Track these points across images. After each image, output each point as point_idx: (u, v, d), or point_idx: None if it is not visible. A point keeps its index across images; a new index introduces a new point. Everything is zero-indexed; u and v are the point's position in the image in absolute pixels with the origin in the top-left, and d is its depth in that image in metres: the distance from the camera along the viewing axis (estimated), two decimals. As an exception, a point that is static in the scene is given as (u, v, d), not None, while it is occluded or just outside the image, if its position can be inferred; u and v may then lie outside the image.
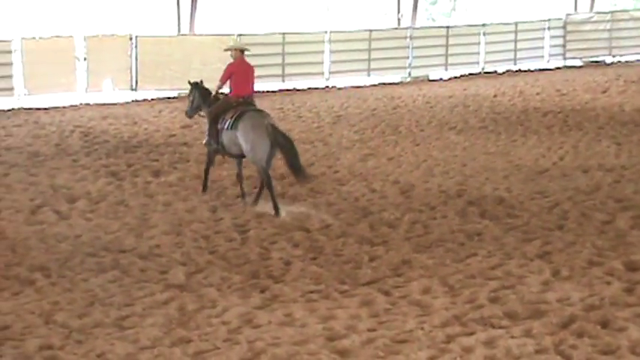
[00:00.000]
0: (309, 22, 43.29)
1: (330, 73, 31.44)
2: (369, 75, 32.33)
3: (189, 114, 16.22)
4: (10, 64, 26.26)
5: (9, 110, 25.36)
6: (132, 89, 28.05)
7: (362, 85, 31.67)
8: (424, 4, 44.54)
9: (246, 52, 15.59)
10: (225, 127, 14.81)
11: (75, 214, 14.37)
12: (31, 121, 23.47)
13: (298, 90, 30.01)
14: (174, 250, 12.39)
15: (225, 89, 15.60)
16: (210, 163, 15.64)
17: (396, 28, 34.34)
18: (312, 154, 19.05)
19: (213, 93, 15.53)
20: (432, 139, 20.67)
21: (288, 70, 30.49)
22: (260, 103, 25.93)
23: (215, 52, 28.90)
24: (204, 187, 15.60)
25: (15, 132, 21.90)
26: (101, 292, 10.63)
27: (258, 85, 28.98)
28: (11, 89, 26.22)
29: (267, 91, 29.20)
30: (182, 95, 28.16)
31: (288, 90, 29.88)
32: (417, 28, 34.51)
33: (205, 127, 15.95)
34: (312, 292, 10.59)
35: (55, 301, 10.31)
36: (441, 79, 33.56)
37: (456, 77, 33.68)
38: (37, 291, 10.71)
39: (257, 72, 29.89)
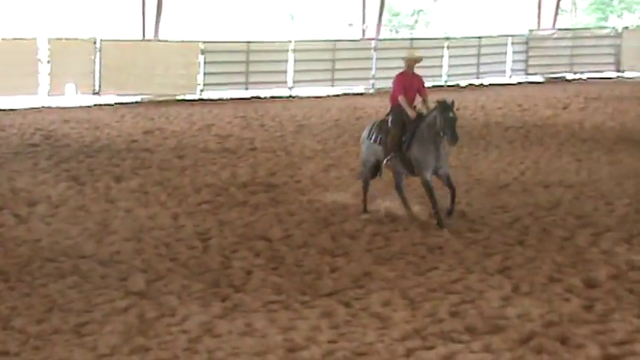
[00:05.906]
0: (273, 31, 43.33)
1: (293, 82, 31.46)
2: (332, 85, 32.39)
3: None
4: (-29, 64, 26.05)
5: (-31, 111, 25.22)
6: (94, 93, 27.88)
7: (325, 95, 31.72)
8: (387, 15, 44.78)
9: None
10: None
11: (34, 218, 14.26)
12: (-8, 123, 23.31)
13: (262, 99, 29.99)
14: (135, 256, 12.31)
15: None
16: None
17: (361, 39, 34.42)
18: (274, 163, 19.02)
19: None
20: (394, 151, 20.63)
21: (252, 78, 30.49)
22: (223, 111, 26.26)
23: (178, 57, 29.00)
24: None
25: (-25, 133, 21.74)
26: (60, 298, 10.54)
27: (221, 93, 29.35)
28: (-29, 90, 26.02)
29: (231, 99, 29.24)
30: (144, 100, 28.15)
31: (251, 98, 29.85)
32: (381, 40, 34.62)
33: None
34: (272, 302, 10.54)
35: (13, 306, 10.21)
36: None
37: (419, 89, 33.75)
38: (-5, 295, 10.62)
39: (220, 79, 30.16)
